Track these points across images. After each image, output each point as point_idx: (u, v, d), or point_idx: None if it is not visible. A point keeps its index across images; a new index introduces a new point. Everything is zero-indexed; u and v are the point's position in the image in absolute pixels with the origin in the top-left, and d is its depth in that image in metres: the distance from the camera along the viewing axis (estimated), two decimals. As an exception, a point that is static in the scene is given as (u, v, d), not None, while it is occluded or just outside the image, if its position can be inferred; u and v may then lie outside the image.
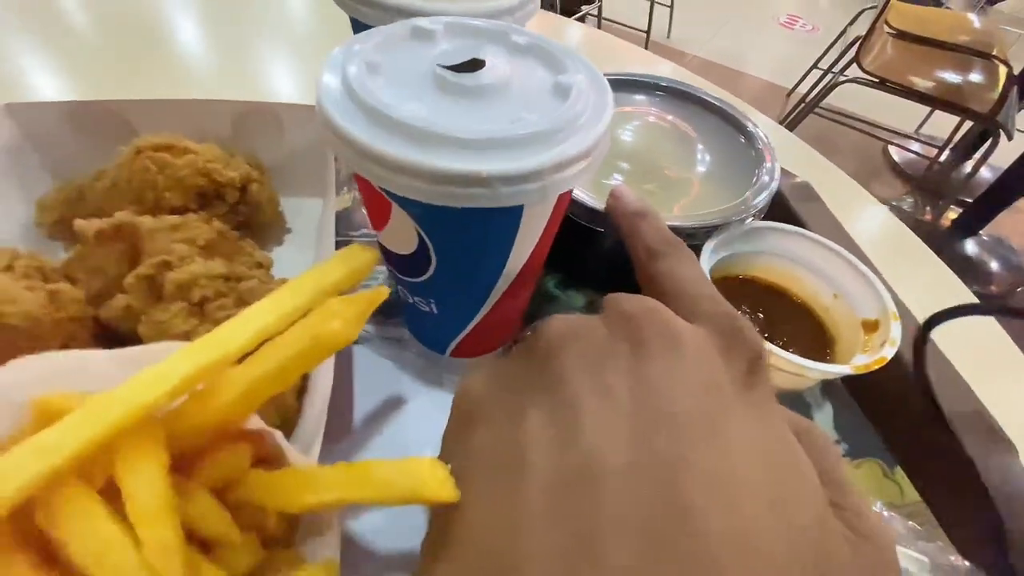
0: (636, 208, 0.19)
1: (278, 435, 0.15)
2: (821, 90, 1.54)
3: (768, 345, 0.24)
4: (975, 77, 1.44)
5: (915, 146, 1.85)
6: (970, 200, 1.55)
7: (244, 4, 0.62)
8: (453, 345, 0.26)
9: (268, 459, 0.15)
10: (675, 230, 0.27)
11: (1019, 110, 1.59)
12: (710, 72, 2.31)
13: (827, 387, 0.30)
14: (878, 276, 0.28)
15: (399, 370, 0.27)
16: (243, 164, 0.30)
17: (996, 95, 1.34)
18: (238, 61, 0.54)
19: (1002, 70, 1.42)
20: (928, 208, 1.67)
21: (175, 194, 0.27)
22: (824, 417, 0.29)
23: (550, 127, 0.16)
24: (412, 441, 0.25)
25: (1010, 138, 1.29)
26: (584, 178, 0.18)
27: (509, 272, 0.21)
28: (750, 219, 0.29)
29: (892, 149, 1.87)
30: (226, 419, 0.13)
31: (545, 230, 0.20)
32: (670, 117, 0.35)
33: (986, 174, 1.60)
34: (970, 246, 1.57)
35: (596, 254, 0.32)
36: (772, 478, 0.12)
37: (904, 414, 0.27)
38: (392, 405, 0.26)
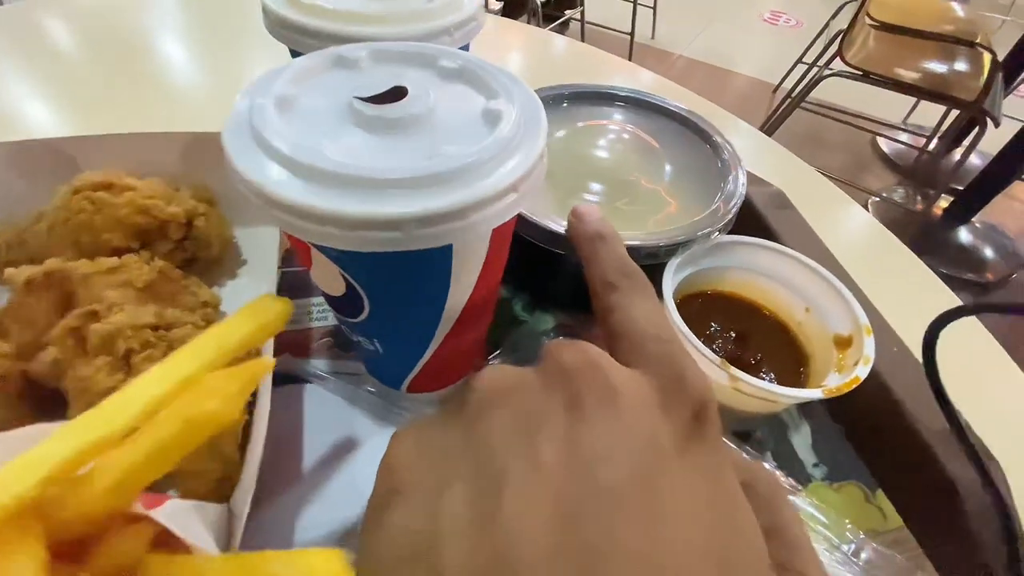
0: (595, 231, 0.18)
1: (171, 514, 0.13)
2: (805, 85, 1.53)
3: (735, 371, 0.23)
4: (960, 66, 1.43)
5: (904, 136, 1.85)
6: (961, 188, 1.54)
7: (237, 25, 0.61)
8: (408, 381, 0.25)
9: (171, 540, 0.14)
10: (641, 249, 0.27)
11: (1005, 96, 1.58)
12: (696, 72, 2.31)
13: (805, 407, 0.29)
14: (851, 288, 0.26)
15: (353, 408, 0.26)
16: (188, 199, 0.29)
17: (981, 83, 1.34)
18: (230, 80, 0.53)
19: (986, 57, 1.41)
20: (919, 198, 1.66)
21: (115, 234, 0.26)
22: (802, 439, 0.27)
23: (473, 161, 0.15)
24: (366, 483, 0.24)
25: (997, 125, 1.28)
26: (517, 210, 0.17)
27: (451, 310, 0.20)
28: (716, 233, 0.28)
29: (881, 141, 1.86)
30: (104, 507, 0.12)
31: (487, 264, 0.19)
32: (637, 130, 0.34)
33: (976, 161, 1.59)
34: (963, 234, 1.56)
35: (561, 276, 0.31)
36: (711, 545, 0.11)
37: (884, 434, 0.25)
38: (346, 445, 0.25)
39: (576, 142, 0.33)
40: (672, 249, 0.27)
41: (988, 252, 1.53)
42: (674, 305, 0.25)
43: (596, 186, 0.31)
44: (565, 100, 0.34)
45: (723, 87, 2.25)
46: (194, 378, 0.13)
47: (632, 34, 2.14)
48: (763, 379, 0.26)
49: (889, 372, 0.26)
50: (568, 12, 2.17)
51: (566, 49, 0.67)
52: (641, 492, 0.11)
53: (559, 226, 0.27)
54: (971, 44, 1.44)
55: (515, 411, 0.13)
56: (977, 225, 1.57)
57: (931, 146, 1.75)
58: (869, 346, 0.23)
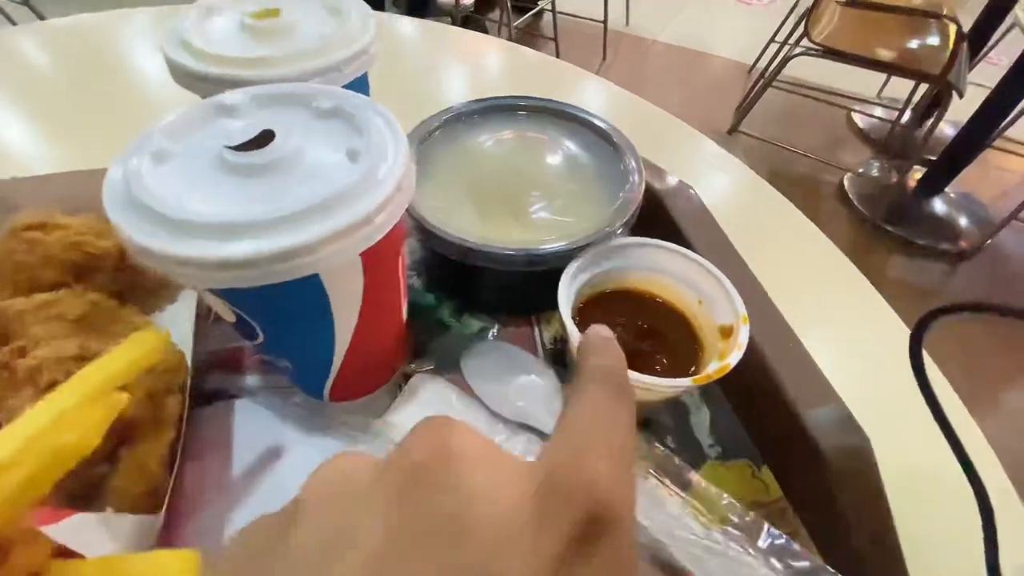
0: (591, 350, 0.16)
1: (67, 527, 0.15)
2: (776, 65, 1.54)
3: None
4: (926, 38, 1.44)
5: (878, 111, 1.86)
6: (934, 159, 1.55)
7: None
8: (326, 391, 0.27)
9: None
10: (548, 255, 0.29)
11: (974, 65, 1.59)
12: (673, 57, 2.31)
13: (706, 391, 0.31)
14: (742, 281, 0.28)
15: (281, 419, 0.28)
16: (121, 231, 0.31)
17: (948, 54, 1.35)
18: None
19: (952, 28, 1.42)
20: (894, 171, 1.67)
21: (49, 271, 0.28)
22: (701, 422, 0.29)
23: (321, 201, 0.17)
24: (292, 488, 0.26)
25: (961, 96, 1.29)
26: (376, 238, 0.18)
27: (344, 327, 0.22)
28: (618, 231, 0.30)
29: (856, 115, 1.87)
30: (-8, 527, 0.14)
31: (369, 286, 0.21)
32: (544, 137, 0.35)
33: (948, 131, 1.60)
34: (938, 204, 1.58)
35: (484, 284, 0.33)
36: None
37: (768, 414, 0.27)
38: (274, 454, 0.27)
39: (488, 154, 0.34)
40: (577, 251, 0.29)
41: (963, 221, 1.55)
42: (569, 312, 0.27)
43: (508, 196, 0.32)
44: (476, 114, 0.36)
45: (701, 70, 2.25)
46: (79, 409, 0.15)
47: (605, 22, 2.14)
48: (658, 369, 0.28)
49: (774, 358, 0.28)
50: (540, 3, 2.17)
51: (534, 64, 0.67)
52: None
53: (473, 241, 0.29)
54: (936, 16, 1.45)
55: (327, 525, 0.11)
56: (951, 195, 1.59)
57: (904, 119, 1.76)
58: (743, 335, 0.25)
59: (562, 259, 0.29)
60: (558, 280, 0.30)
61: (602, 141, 0.35)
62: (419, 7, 2.21)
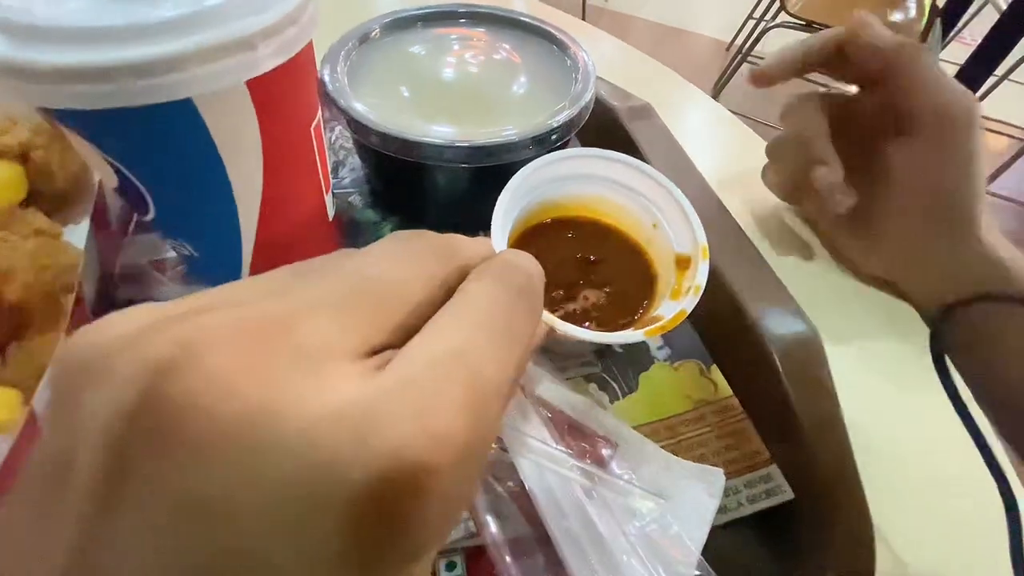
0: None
1: None
2: (752, 40, 1.54)
3: (557, 323, 0.21)
4: (902, 11, 1.45)
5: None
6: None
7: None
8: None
9: None
10: (490, 147, 0.27)
11: (948, 41, 1.60)
12: (653, 33, 2.30)
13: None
14: (704, 203, 0.26)
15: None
16: (24, 130, 0.28)
17: (922, 28, 1.36)
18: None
19: (927, 2, 1.43)
20: (868, 147, 1.68)
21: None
22: (650, 326, 0.28)
23: (194, 11, 0.15)
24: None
25: (933, 67, 1.30)
26: (265, 67, 0.16)
27: (247, 192, 0.20)
28: (565, 128, 0.28)
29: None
30: None
31: (271, 139, 0.19)
32: (495, 42, 0.33)
33: (922, 108, 1.62)
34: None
35: (422, 194, 0.31)
36: None
37: (718, 312, 0.26)
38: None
39: (429, 58, 0.32)
40: (524, 144, 0.27)
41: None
42: (504, 237, 0.24)
43: (450, 100, 0.30)
44: (418, 20, 0.33)
45: (680, 48, 2.24)
46: None
47: (584, -2, 2.11)
48: (604, 303, 0.25)
49: (725, 261, 0.26)
50: (519, -21, 2.13)
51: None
52: None
53: (417, 136, 0.27)
54: (911, -12, 1.45)
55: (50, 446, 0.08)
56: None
57: (878, 95, 1.77)
58: (702, 273, 0.23)
59: (508, 153, 0.27)
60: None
61: (548, 43, 0.33)
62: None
